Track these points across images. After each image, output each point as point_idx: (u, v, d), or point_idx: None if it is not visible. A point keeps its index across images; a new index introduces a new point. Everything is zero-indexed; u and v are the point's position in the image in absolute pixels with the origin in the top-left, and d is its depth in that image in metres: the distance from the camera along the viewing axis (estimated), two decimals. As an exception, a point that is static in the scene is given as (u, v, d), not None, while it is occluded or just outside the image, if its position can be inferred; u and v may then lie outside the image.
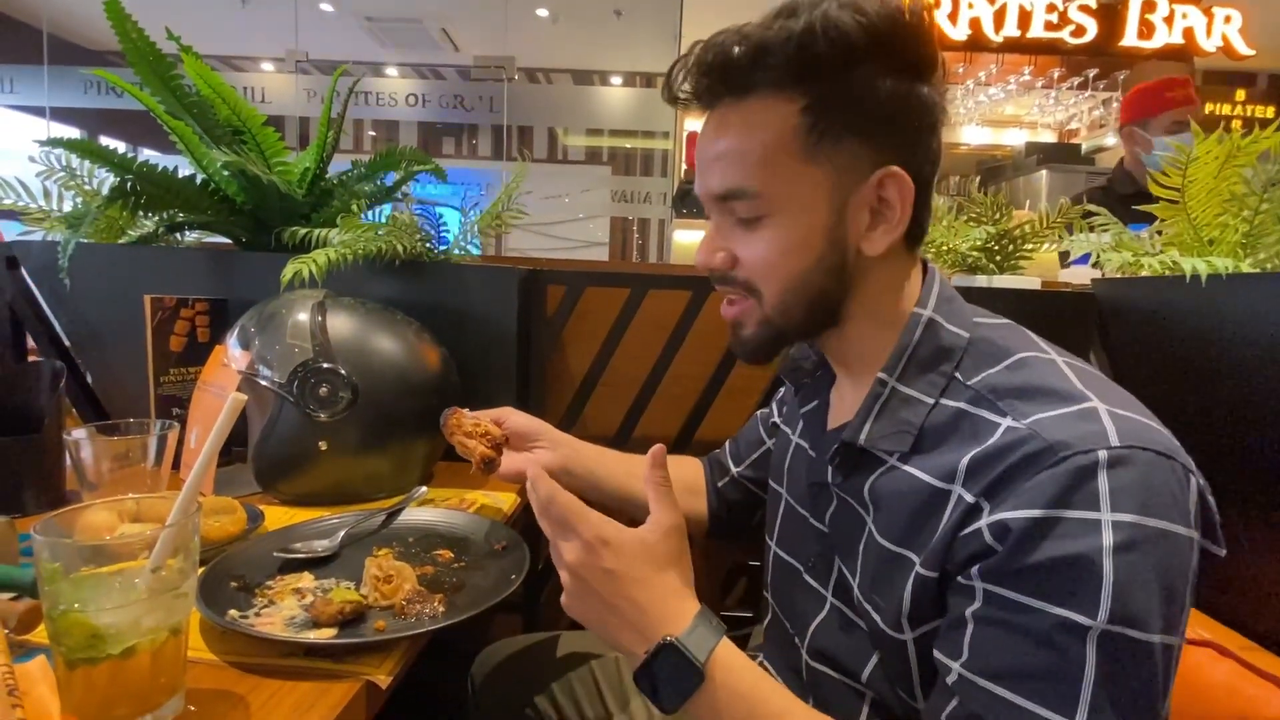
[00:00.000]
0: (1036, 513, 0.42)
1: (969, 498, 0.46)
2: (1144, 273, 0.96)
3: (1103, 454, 0.42)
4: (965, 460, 0.47)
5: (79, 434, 0.72)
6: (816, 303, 0.56)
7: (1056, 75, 4.58)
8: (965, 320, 0.55)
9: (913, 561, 0.49)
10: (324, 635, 0.54)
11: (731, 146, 0.54)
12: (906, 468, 0.52)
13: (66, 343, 1.17)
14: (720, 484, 0.87)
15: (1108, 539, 0.40)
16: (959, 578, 0.46)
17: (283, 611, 0.58)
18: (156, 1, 1.38)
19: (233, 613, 0.56)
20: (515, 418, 0.83)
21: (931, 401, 0.52)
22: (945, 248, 1.14)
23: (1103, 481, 0.42)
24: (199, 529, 0.48)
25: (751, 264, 0.55)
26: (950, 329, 0.54)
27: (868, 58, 0.51)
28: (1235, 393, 0.79)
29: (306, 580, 0.64)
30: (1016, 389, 0.49)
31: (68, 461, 0.83)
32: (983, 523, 0.44)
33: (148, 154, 1.08)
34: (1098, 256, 1.05)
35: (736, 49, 0.52)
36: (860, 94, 0.51)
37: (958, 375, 0.52)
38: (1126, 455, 0.42)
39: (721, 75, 0.53)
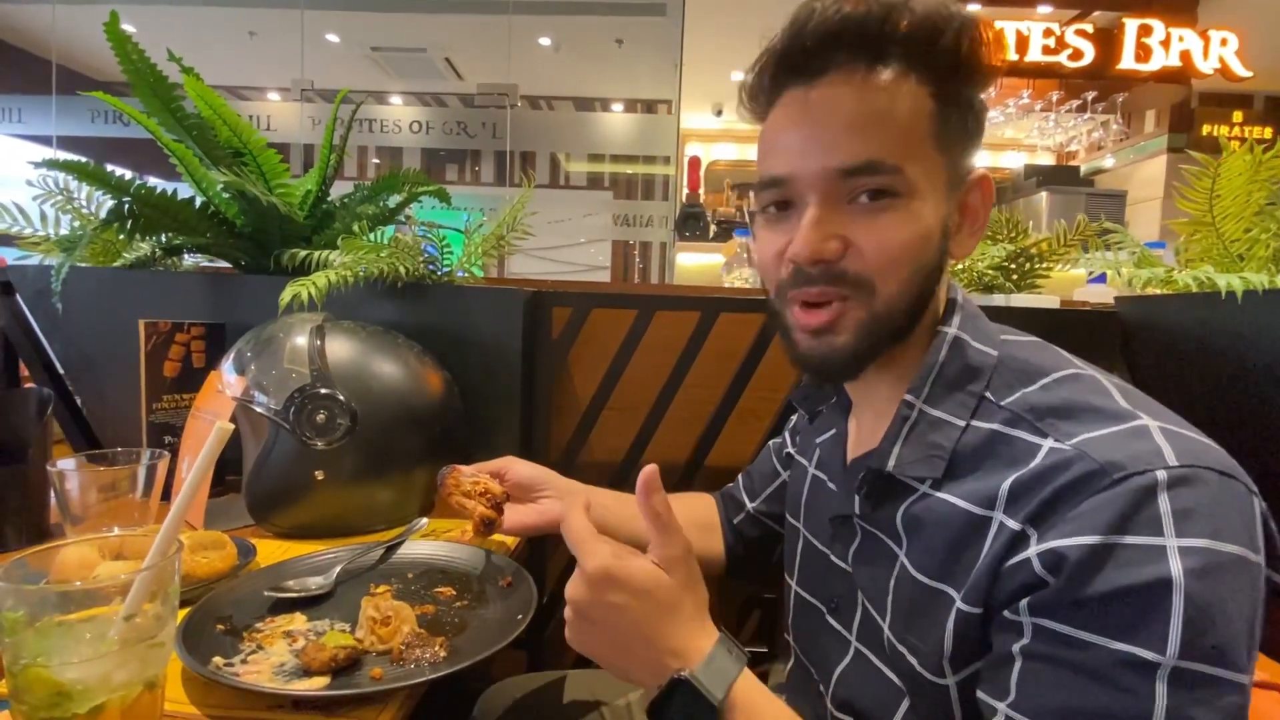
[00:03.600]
0: (1093, 540, 0.38)
1: (1013, 525, 0.42)
2: (1158, 289, 0.93)
3: (1161, 474, 0.39)
4: (1006, 484, 0.43)
5: (64, 464, 0.69)
6: (916, 306, 0.51)
7: (1055, 98, 4.63)
8: (992, 338, 0.52)
9: (952, 597, 0.45)
10: (315, 685, 0.50)
11: (872, 113, 0.48)
12: (940, 494, 0.48)
13: (60, 369, 1.14)
14: (736, 520, 0.83)
15: (1176, 566, 0.37)
16: (1005, 612, 0.42)
17: (271, 658, 0.54)
18: (166, 35, 1.39)
19: (217, 660, 0.52)
20: (518, 467, 0.80)
21: (962, 424, 0.49)
22: (962, 266, 1.11)
23: (1164, 503, 0.38)
24: (180, 570, 0.44)
25: (872, 251, 0.49)
26: (977, 347, 0.51)
27: (982, 63, 0.49)
28: (1273, 411, 0.75)
29: (299, 622, 0.60)
30: (1056, 408, 0.45)
31: (53, 494, 0.79)
32: (1031, 552, 0.41)
33: (152, 181, 1.08)
34: (1118, 274, 1.02)
35: (872, 9, 0.48)
36: (974, 95, 0.51)
37: (988, 395, 0.49)
38: (1189, 475, 0.39)
39: (857, 38, 0.48)
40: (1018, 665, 0.41)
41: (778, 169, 0.51)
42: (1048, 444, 0.43)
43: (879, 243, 0.48)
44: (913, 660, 0.48)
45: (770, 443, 0.84)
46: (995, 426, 0.47)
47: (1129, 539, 0.38)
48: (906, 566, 0.50)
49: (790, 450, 0.77)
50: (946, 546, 0.46)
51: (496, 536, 0.84)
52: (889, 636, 0.51)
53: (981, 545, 0.44)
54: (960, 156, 0.51)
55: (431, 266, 1.06)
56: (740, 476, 0.86)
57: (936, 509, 0.48)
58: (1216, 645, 0.36)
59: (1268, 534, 0.40)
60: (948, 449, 0.48)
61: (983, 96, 0.52)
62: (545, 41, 4.96)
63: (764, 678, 0.71)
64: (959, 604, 0.45)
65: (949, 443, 0.49)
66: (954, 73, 0.49)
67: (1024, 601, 0.41)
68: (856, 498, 0.54)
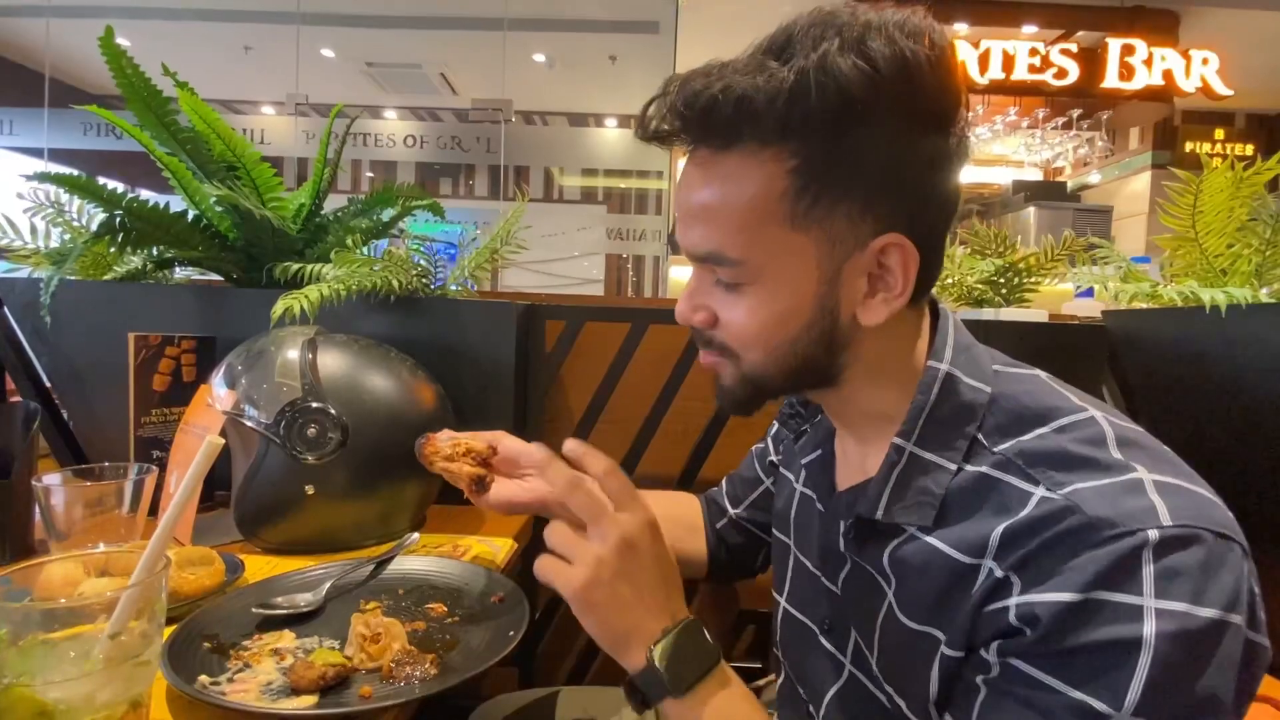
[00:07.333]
0: (1072, 596, 0.38)
1: (999, 572, 0.42)
2: (1144, 303, 0.94)
3: (1153, 534, 0.38)
4: (998, 533, 0.42)
5: (49, 479, 0.68)
6: (802, 370, 0.51)
7: (1041, 115, 4.71)
8: (984, 371, 0.50)
9: (938, 640, 0.45)
10: (303, 704, 0.49)
11: (711, 204, 0.47)
12: (929, 539, 0.47)
13: (47, 383, 1.13)
14: (719, 525, 0.82)
15: (1149, 628, 0.36)
16: (981, 651, 0.43)
17: (259, 676, 0.53)
18: (161, 50, 1.40)
19: (203, 679, 0.51)
20: (509, 441, 0.77)
21: (954, 468, 0.47)
22: (951, 281, 1.12)
23: (1150, 566, 0.37)
24: (166, 587, 0.43)
25: (732, 329, 0.50)
26: (970, 383, 0.49)
27: (873, 114, 0.43)
28: (1258, 423, 0.76)
29: (287, 639, 0.59)
30: (1048, 454, 0.44)
31: (38, 509, 0.78)
32: (1011, 601, 0.41)
33: (145, 194, 1.08)
34: (1105, 288, 1.04)
35: (719, 98, 0.44)
36: (861, 155, 0.44)
37: (980, 438, 0.47)
38: (1183, 535, 0.38)
39: (702, 123, 0.46)
40: (981, 694, 0.42)
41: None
42: (1039, 492, 0.42)
43: (733, 324, 0.50)
44: (900, 702, 0.48)
45: (753, 448, 0.82)
46: (984, 470, 0.46)
47: (1110, 596, 0.38)
48: (894, 608, 0.49)
49: (774, 458, 0.76)
50: (934, 593, 0.46)
51: (487, 553, 0.83)
52: (878, 673, 0.51)
53: (969, 591, 0.43)
54: (843, 223, 0.46)
55: (426, 280, 1.06)
56: (724, 481, 0.85)
57: (925, 554, 0.47)
58: (1183, 708, 0.36)
59: (1251, 596, 0.39)
60: (939, 495, 0.47)
61: (901, 139, 0.45)
62: (539, 58, 5.00)
63: (759, 694, 0.71)
64: (944, 648, 0.45)
65: (940, 489, 0.47)
66: (823, 138, 0.44)
67: (996, 643, 0.41)
68: (842, 540, 0.53)
